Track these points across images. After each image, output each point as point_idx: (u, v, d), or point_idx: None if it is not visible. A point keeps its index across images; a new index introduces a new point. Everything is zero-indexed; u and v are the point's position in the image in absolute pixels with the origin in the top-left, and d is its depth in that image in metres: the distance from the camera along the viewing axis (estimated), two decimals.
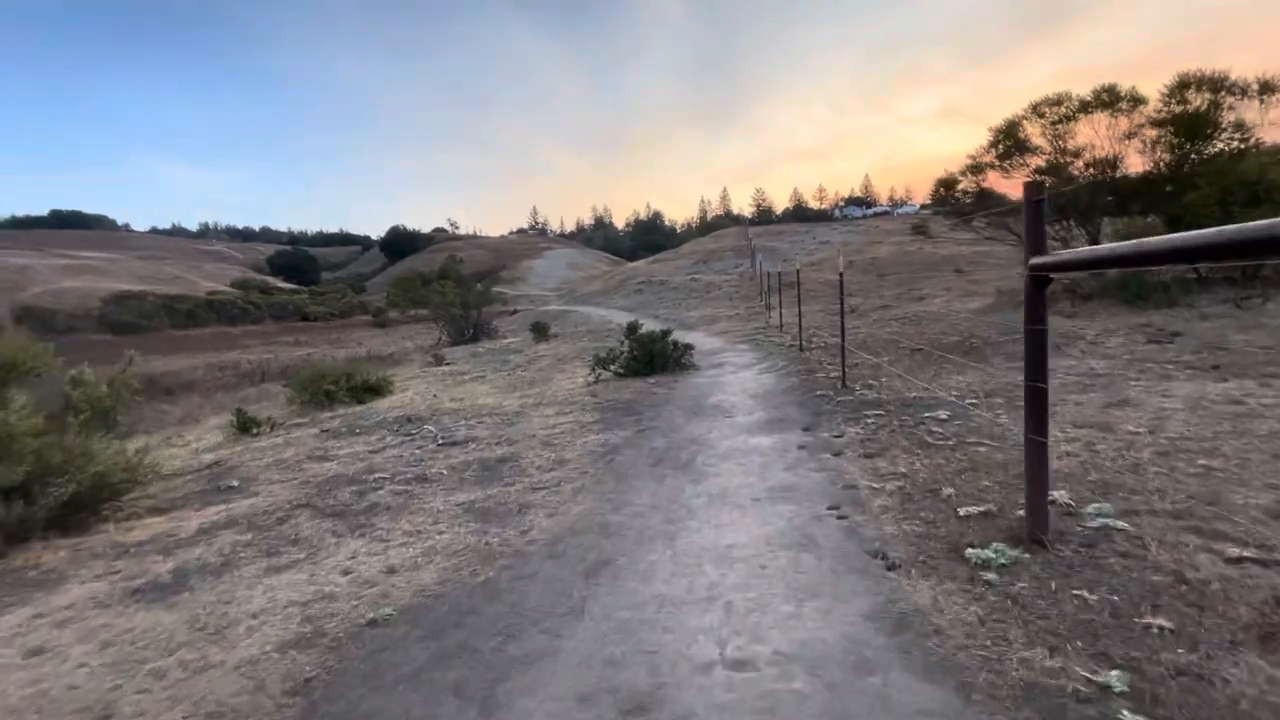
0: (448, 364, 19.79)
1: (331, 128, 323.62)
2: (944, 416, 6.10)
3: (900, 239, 29.41)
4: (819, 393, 7.94)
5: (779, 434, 6.21)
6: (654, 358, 11.16)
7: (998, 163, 14.71)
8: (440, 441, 7.33)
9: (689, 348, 11.68)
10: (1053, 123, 14.24)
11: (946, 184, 15.22)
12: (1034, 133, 14.74)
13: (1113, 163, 13.37)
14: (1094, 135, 13.60)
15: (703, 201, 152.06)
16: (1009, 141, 14.99)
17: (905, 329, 13.26)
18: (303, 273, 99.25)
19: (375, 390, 12.79)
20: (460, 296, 27.23)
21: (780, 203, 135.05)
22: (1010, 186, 15.94)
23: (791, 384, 8.92)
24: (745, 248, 34.17)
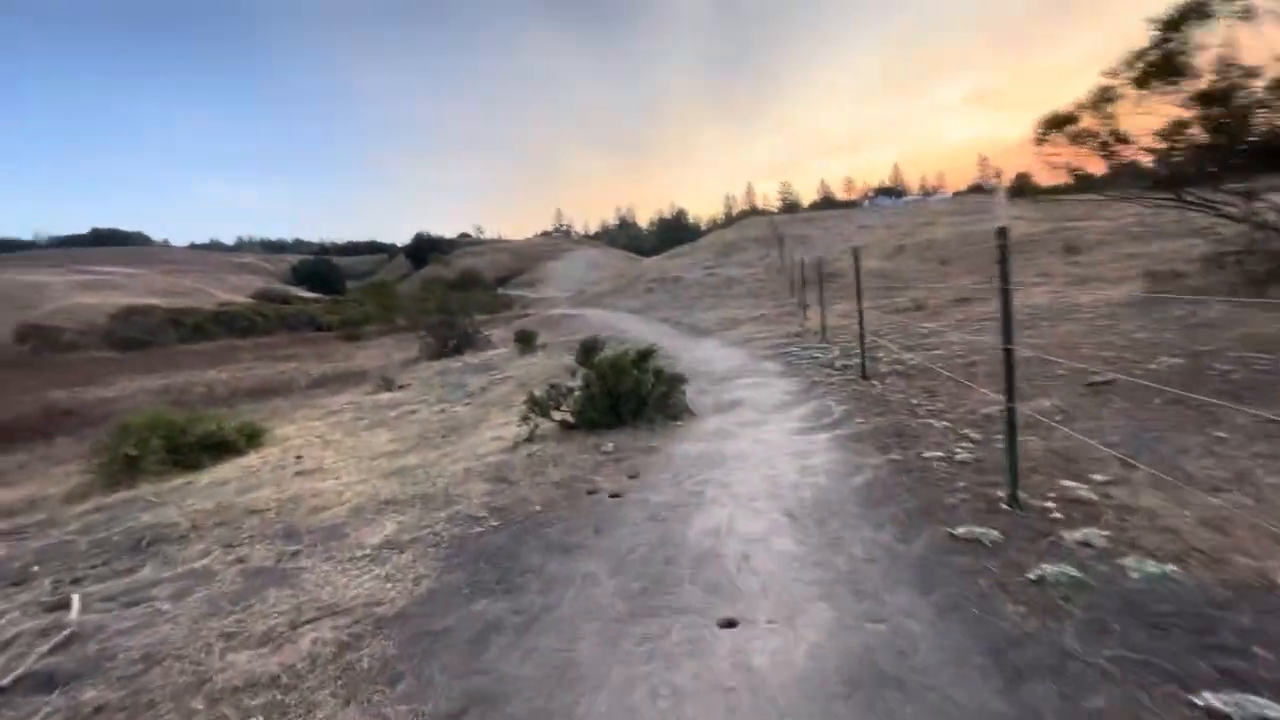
0: (398, 388, 15.56)
1: (362, 139, 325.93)
2: None
3: (959, 219, 24.26)
4: (962, 531, 3.26)
5: None
6: (621, 399, 6.62)
7: (1144, 86, 9.63)
8: None
9: (677, 383, 7.07)
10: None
11: (1058, 122, 10.29)
12: (1196, 42, 9.64)
13: None
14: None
15: (727, 198, 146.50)
16: (1158, 59, 9.87)
17: (1025, 337, 8.41)
18: (327, 282, 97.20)
19: (226, 447, 8.51)
20: (442, 303, 23.06)
21: (807, 197, 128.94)
22: (1149, 125, 10.72)
23: (875, 474, 4.24)
24: (771, 237, 29.32)
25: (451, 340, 23.60)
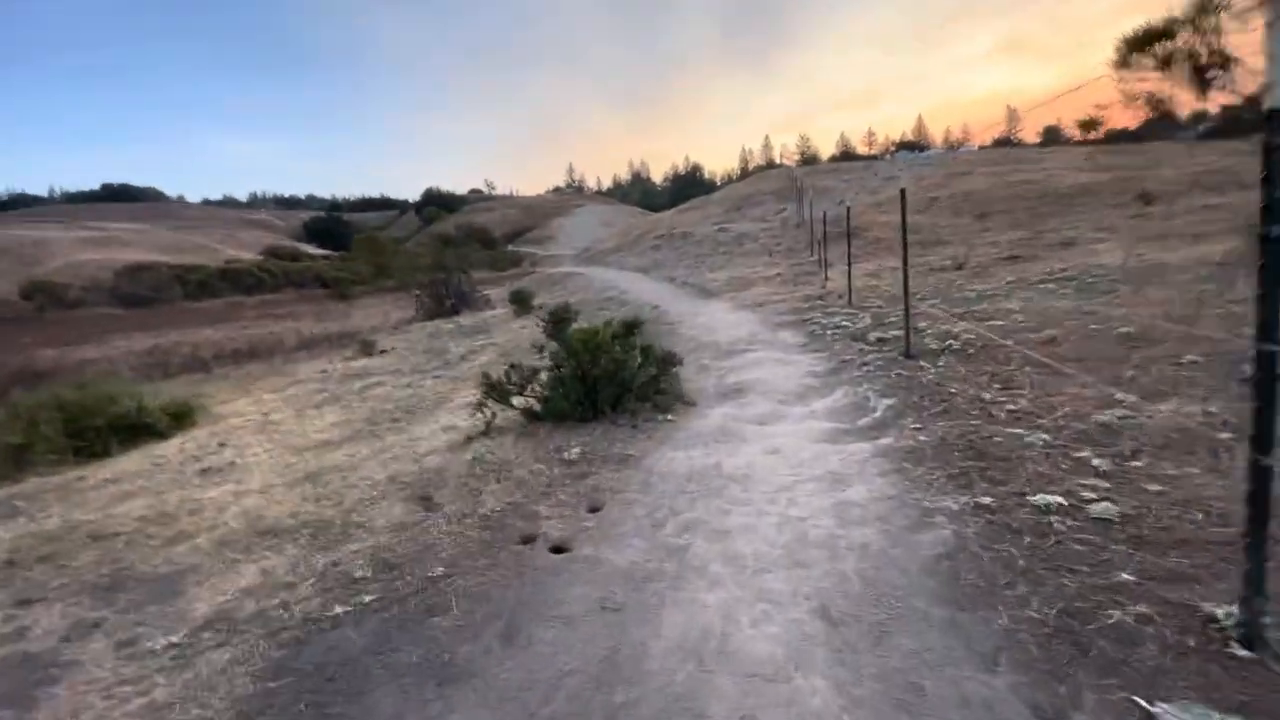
0: (380, 352, 14.19)
1: (374, 95, 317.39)
2: None
3: (996, 168, 21.98)
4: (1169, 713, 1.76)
5: None
6: (598, 384, 5.13)
7: None
8: None
9: (669, 364, 5.54)
10: None
11: (1148, 39, 8.32)
12: None
13: None
14: None
15: (744, 151, 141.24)
16: None
17: (1103, 304, 6.74)
18: (337, 238, 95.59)
19: (145, 430, 7.18)
20: (437, 261, 21.49)
21: (826, 151, 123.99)
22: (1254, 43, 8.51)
23: (957, 534, 2.68)
24: (789, 190, 27.20)
25: (448, 300, 22.16)
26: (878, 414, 4.34)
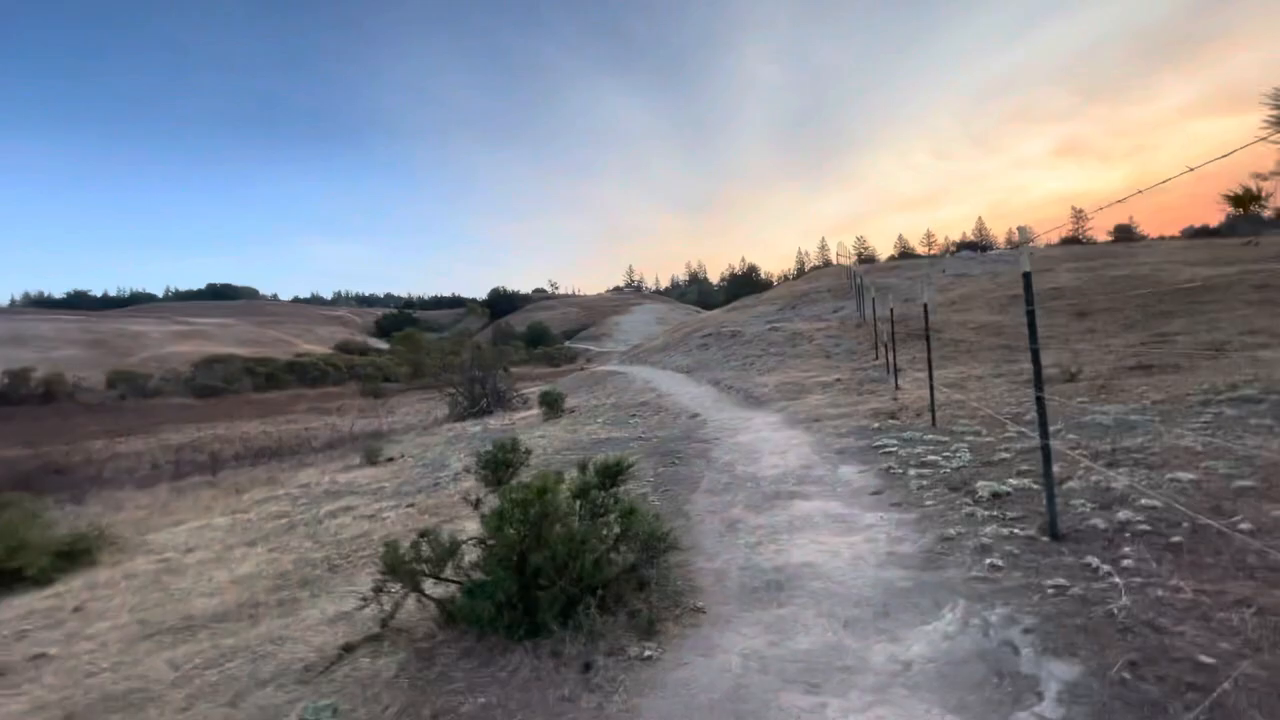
0: (385, 460, 12.65)
1: (445, 200, 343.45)
2: None
3: (1084, 263, 19.50)
4: None
5: None
6: (540, 576, 3.13)
7: None
8: None
9: (658, 547, 3.48)
10: None
11: None
12: None
13: None
14: None
15: (800, 252, 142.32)
16: None
17: None
18: (406, 336, 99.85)
19: (13, 576, 5.57)
20: (472, 358, 20.42)
21: (884, 251, 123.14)
22: None
23: None
24: (846, 287, 25.36)
25: (484, 399, 20.88)
26: (1052, 695, 2.13)
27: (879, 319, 15.16)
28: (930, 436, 6.58)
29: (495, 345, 20.33)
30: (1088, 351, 10.82)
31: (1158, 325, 11.34)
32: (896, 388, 10.55)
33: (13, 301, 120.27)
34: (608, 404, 15.67)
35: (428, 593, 3.47)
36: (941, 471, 5.17)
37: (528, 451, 5.07)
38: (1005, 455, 5.32)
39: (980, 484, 4.51)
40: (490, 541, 3.27)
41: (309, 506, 8.40)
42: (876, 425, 7.74)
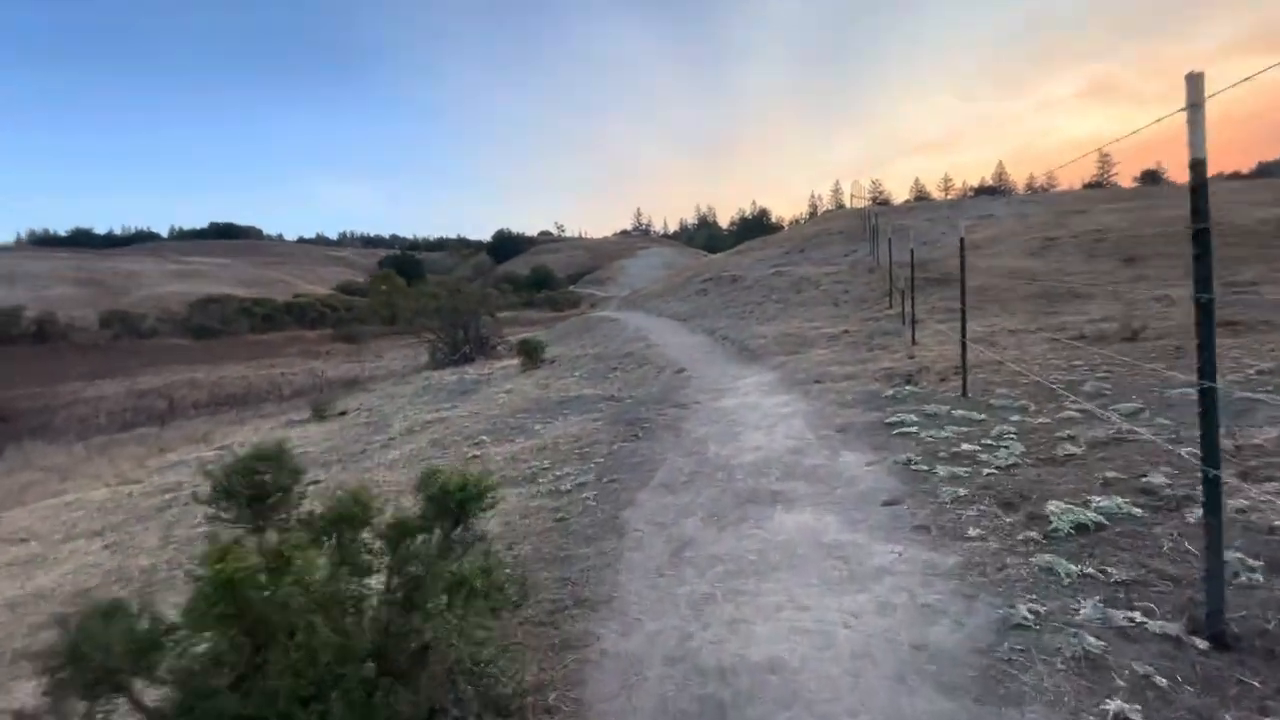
0: (339, 414, 11.32)
1: (453, 140, 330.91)
2: None
3: (1129, 204, 17.36)
4: None
5: None
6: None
7: None
8: None
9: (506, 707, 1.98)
10: None
11: None
12: None
13: None
14: None
15: (813, 196, 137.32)
16: None
17: None
18: (409, 276, 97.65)
19: None
20: (450, 303, 18.82)
21: (899, 196, 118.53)
22: None
23: None
24: (860, 230, 23.30)
25: (465, 346, 19.43)
26: None
27: (894, 264, 13.37)
28: (961, 412, 5.02)
29: (480, 288, 18.65)
30: (1142, 303, 9.10)
31: (1226, 273, 9.53)
32: (913, 343, 8.94)
33: (18, 240, 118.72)
34: (591, 354, 14.17)
35: (143, 702, 2.03)
36: (985, 473, 3.63)
37: (300, 470, 3.54)
38: (1074, 450, 3.77)
39: (1051, 505, 2.97)
40: (190, 640, 1.80)
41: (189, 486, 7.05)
42: (890, 392, 6.18)
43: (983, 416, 4.84)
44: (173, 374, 25.05)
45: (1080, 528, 2.73)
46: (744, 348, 11.23)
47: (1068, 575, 2.37)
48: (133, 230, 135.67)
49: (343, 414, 11.44)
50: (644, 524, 3.59)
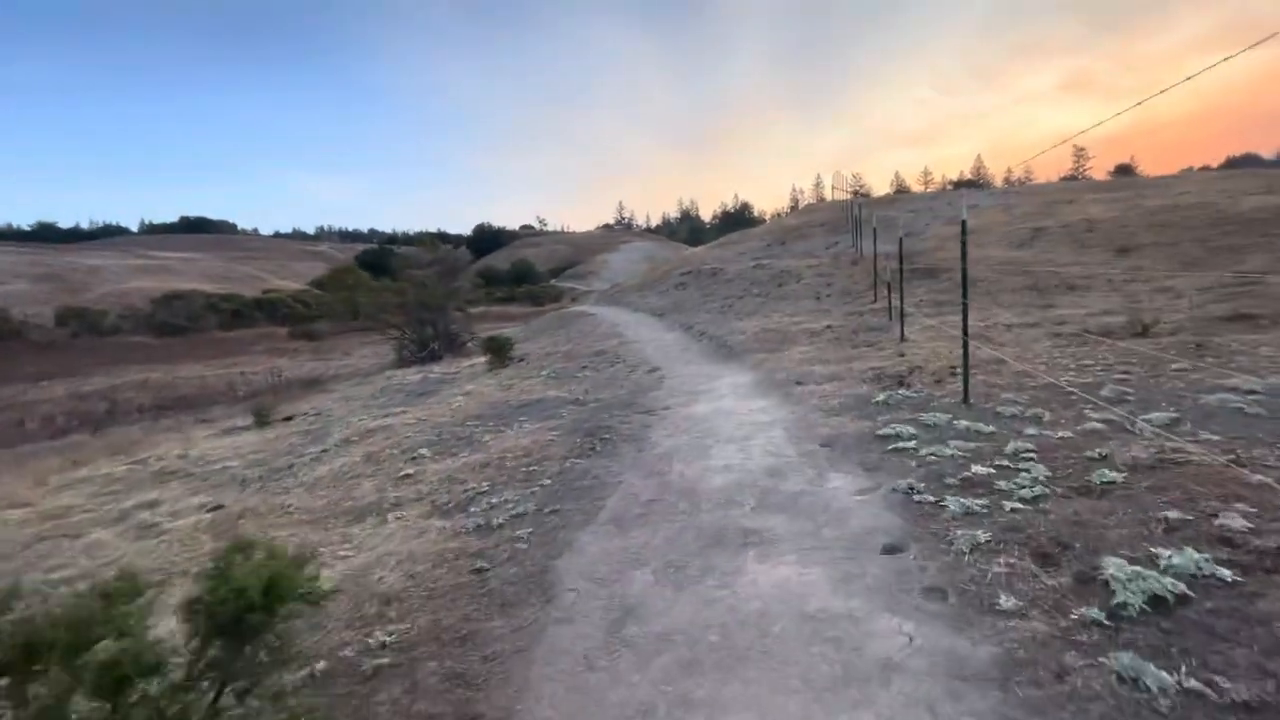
0: (284, 420, 10.39)
1: (434, 133, 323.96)
2: None
3: (1114, 194, 16.89)
4: None
5: None
6: None
7: None
8: None
9: None
10: None
11: None
12: None
13: None
14: None
15: (794, 190, 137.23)
16: None
17: None
18: (387, 270, 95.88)
19: None
20: (416, 297, 17.84)
21: (880, 190, 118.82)
22: None
23: None
24: (842, 222, 22.68)
25: (433, 342, 18.48)
26: None
27: (879, 255, 12.69)
28: (965, 422, 4.31)
29: (444, 282, 17.61)
30: (1145, 294, 8.50)
31: (1228, 263, 8.97)
32: (903, 339, 8.26)
33: None
34: (561, 351, 13.35)
35: None
36: (1007, 507, 2.90)
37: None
38: (1113, 476, 3.06)
39: (1107, 563, 2.23)
40: None
41: (109, 500, 6.14)
42: (881, 396, 5.46)
43: (991, 428, 4.13)
44: (126, 374, 23.72)
45: (1155, 601, 1.99)
46: (722, 344, 10.49)
47: (1163, 692, 1.62)
48: (100, 224, 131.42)
49: (288, 419, 10.51)
50: (580, 579, 2.81)
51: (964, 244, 5.21)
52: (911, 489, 3.27)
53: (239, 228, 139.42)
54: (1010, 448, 3.67)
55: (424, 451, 5.93)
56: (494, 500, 4.19)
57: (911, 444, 4.04)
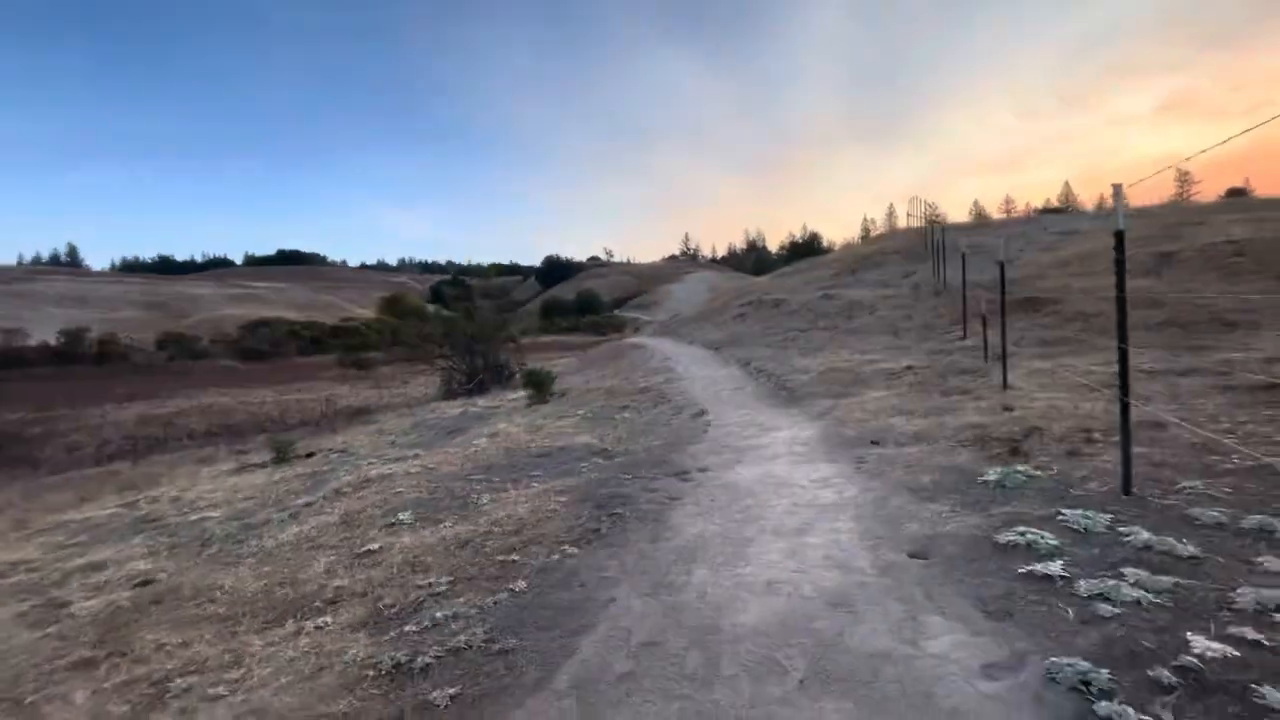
0: (306, 456, 9.74)
1: (511, 168, 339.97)
2: None
3: (1250, 213, 14.38)
4: None
5: None
6: None
7: None
8: None
9: None
10: None
11: None
12: None
13: None
14: None
15: (865, 220, 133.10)
16: None
17: None
18: (459, 301, 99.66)
19: None
20: (464, 329, 17.33)
21: (956, 218, 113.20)
22: None
23: None
24: (919, 248, 20.75)
25: (481, 374, 17.87)
26: None
27: (969, 285, 10.93)
28: (1142, 533, 2.81)
29: (498, 312, 16.98)
30: None
31: None
32: (1005, 386, 6.61)
33: (112, 266, 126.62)
34: (604, 387, 12.23)
35: None
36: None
37: None
38: None
39: None
40: None
41: (65, 556, 5.42)
42: (993, 474, 3.98)
43: (1191, 548, 2.62)
44: (202, 397, 24.50)
45: None
46: (781, 384, 9.08)
47: None
48: (209, 257, 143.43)
49: (309, 455, 9.85)
50: None
51: (1120, 261, 3.72)
52: (1088, 685, 1.85)
53: (328, 259, 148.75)
54: (1245, 597, 2.18)
55: (404, 517, 4.88)
56: (442, 613, 3.02)
57: (1058, 568, 2.60)
